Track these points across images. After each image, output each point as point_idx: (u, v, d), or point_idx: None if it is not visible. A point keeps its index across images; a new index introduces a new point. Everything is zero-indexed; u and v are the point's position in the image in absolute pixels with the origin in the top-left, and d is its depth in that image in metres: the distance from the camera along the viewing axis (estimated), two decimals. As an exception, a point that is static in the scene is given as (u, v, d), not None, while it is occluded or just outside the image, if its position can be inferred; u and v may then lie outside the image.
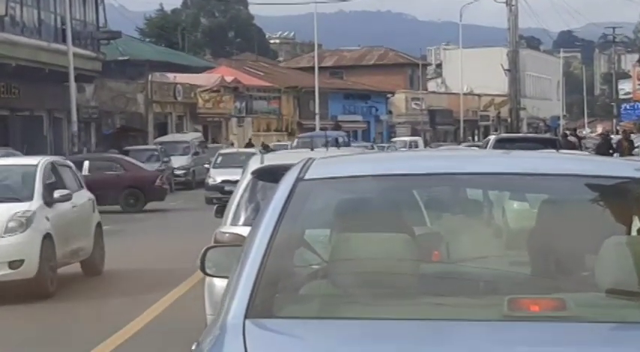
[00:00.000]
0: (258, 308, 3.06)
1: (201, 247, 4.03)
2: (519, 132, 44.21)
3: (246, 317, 3.03)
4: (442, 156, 4.91)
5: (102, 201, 26.28)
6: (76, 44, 36.03)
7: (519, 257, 3.55)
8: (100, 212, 25.30)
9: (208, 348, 3.06)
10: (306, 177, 3.55)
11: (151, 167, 30.60)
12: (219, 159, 31.07)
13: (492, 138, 28.58)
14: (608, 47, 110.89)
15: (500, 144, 25.68)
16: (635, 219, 3.50)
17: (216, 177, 28.90)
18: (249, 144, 44.05)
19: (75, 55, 34.63)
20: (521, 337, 2.91)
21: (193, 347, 3.33)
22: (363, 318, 3.08)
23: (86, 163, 26.89)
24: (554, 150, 20.72)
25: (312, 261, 3.51)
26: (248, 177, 7.46)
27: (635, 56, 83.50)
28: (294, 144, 36.30)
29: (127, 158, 29.49)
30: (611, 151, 30.74)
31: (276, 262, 3.23)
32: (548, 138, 32.35)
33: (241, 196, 7.36)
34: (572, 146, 31.20)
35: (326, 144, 10.97)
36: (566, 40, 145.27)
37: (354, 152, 13.02)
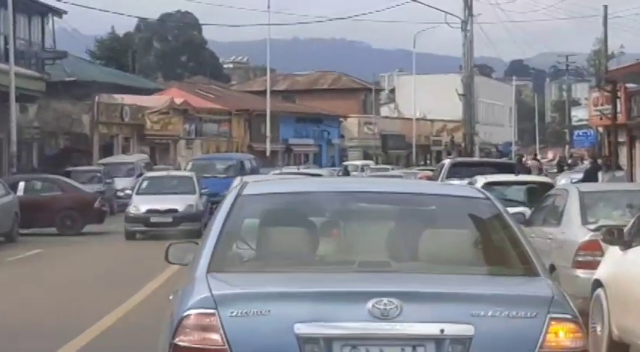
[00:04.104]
0: (215, 267, 5.26)
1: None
2: (473, 157, 43.47)
3: (207, 272, 5.22)
4: (336, 181, 7.60)
5: (36, 223, 25.35)
6: (20, 64, 34.94)
7: (381, 244, 5.73)
8: (35, 234, 24.47)
9: (185, 292, 5.14)
10: (243, 193, 5.87)
11: (92, 188, 29.48)
12: (145, 183, 26.38)
13: (447, 162, 27.69)
14: (560, 76, 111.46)
15: (456, 168, 24.86)
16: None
17: (141, 205, 24.63)
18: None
19: (17, 74, 33.60)
20: (362, 279, 5.25)
21: (171, 297, 5.47)
22: (277, 272, 5.38)
23: (21, 184, 26.27)
24: (512, 175, 20.02)
25: (245, 246, 5.73)
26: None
27: (586, 85, 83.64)
28: (189, 167, 34.50)
29: (65, 179, 28.41)
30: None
31: (224, 246, 5.45)
32: (505, 162, 31.76)
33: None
34: (527, 170, 30.54)
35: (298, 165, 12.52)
36: (518, 68, 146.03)
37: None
